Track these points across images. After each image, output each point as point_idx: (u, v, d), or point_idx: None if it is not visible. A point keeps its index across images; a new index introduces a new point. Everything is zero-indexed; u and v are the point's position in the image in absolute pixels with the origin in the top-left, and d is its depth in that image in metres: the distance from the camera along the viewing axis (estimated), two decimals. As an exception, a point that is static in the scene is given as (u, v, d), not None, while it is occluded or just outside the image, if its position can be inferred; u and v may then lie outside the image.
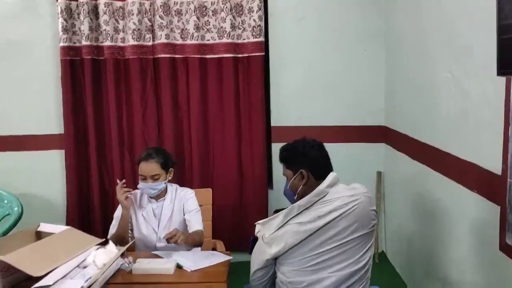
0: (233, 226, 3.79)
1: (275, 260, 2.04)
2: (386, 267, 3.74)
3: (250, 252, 2.15)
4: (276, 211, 2.18)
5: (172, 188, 2.76)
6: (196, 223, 2.65)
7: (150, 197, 2.70)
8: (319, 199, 1.96)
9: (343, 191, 2.01)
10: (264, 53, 3.73)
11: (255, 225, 2.10)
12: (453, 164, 2.56)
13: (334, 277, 1.93)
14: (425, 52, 2.96)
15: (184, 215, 2.70)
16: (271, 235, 1.98)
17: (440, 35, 2.73)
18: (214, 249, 2.79)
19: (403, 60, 3.43)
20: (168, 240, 2.32)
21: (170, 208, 2.69)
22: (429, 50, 2.90)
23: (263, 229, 2.02)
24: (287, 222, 1.97)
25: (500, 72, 1.79)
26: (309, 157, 2.08)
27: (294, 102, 3.88)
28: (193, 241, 2.54)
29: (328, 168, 2.08)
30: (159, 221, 2.67)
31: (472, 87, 2.32)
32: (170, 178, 2.70)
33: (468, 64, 2.38)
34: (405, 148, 3.40)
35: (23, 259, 1.96)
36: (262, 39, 3.69)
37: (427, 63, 2.92)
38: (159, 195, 2.69)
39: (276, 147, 3.87)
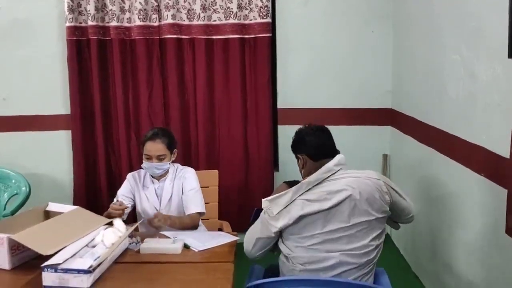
0: (239, 207, 3.81)
1: (279, 233, 2.05)
2: (391, 249, 3.76)
3: (252, 222, 2.17)
4: (287, 183, 2.20)
5: (174, 168, 2.77)
6: (192, 204, 2.65)
7: (153, 177, 2.71)
8: (328, 177, 1.98)
9: (352, 173, 2.02)
10: (271, 34, 3.70)
11: (262, 201, 2.09)
12: (461, 147, 2.55)
13: (337, 259, 1.94)
14: (434, 34, 2.93)
15: (182, 194, 2.72)
16: (279, 212, 1.99)
17: (449, 16, 2.70)
18: (220, 229, 2.81)
19: (411, 42, 3.39)
20: (150, 223, 2.38)
21: (170, 188, 2.71)
22: (438, 31, 2.86)
23: (270, 205, 2.02)
24: (295, 199, 1.97)
25: (511, 55, 1.77)
26: (304, 141, 2.15)
27: (301, 84, 3.86)
28: (182, 225, 2.54)
29: (327, 151, 2.10)
30: (160, 201, 2.69)
31: (482, 69, 2.30)
32: (173, 159, 2.72)
33: (478, 46, 2.36)
34: (412, 131, 3.39)
35: (32, 237, 1.98)
36: (269, 20, 3.66)
37: (436, 45, 2.89)
38: (161, 175, 2.71)
39: (282, 129, 3.89)
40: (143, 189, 2.73)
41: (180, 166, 2.81)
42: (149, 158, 2.61)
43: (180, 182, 2.73)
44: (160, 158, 2.61)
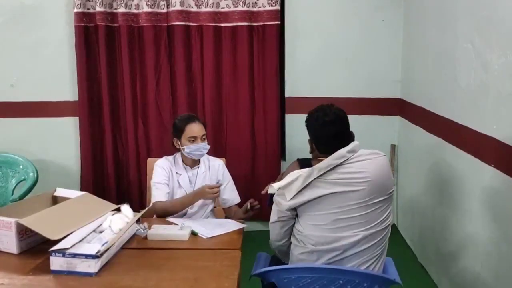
0: (245, 196, 3.74)
1: (295, 213, 2.04)
2: (397, 240, 3.75)
3: (269, 205, 2.15)
4: (299, 161, 2.16)
5: (204, 157, 2.74)
6: (237, 197, 2.77)
7: (185, 164, 2.69)
8: (341, 163, 1.94)
9: (363, 155, 1.98)
10: (279, 22, 3.67)
11: (271, 185, 2.07)
12: (471, 137, 2.53)
13: (353, 238, 1.93)
14: (446, 22, 2.89)
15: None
16: (294, 197, 1.97)
17: (461, 4, 2.66)
18: (227, 217, 2.81)
19: (422, 31, 3.35)
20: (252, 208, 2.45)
21: (204, 176, 2.69)
22: (449, 20, 2.83)
23: (283, 192, 2.00)
24: (308, 184, 1.95)
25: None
26: (312, 132, 2.10)
27: (309, 72, 3.84)
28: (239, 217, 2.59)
29: (336, 145, 1.99)
30: (193, 189, 2.65)
31: (494, 58, 2.27)
32: None
33: (490, 34, 2.33)
34: (421, 121, 3.36)
35: (40, 222, 1.98)
36: (278, 7, 3.63)
37: (447, 34, 2.85)
38: (194, 163, 2.68)
39: (289, 118, 3.87)
40: (177, 175, 2.67)
41: (209, 156, 2.77)
42: (195, 139, 2.58)
43: (215, 172, 2.72)
44: (203, 138, 2.60)
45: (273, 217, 2.10)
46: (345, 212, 1.93)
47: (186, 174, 2.67)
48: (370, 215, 1.94)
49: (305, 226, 2.00)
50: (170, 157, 2.71)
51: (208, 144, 2.65)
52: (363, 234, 1.93)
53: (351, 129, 2.12)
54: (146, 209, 2.37)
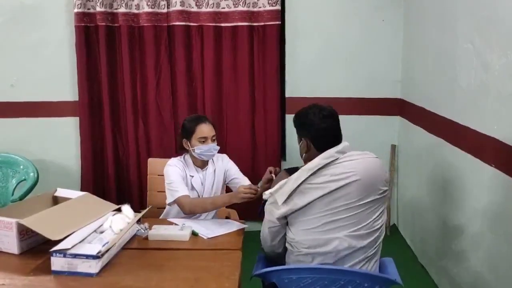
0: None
1: (286, 220, 2.04)
2: (398, 240, 3.75)
3: (260, 215, 2.15)
4: (287, 170, 2.17)
5: None
6: (247, 181, 2.68)
7: (197, 166, 2.66)
8: (330, 163, 1.94)
9: (352, 156, 1.98)
10: (280, 22, 3.67)
11: (264, 193, 2.08)
12: (471, 137, 2.53)
13: (343, 240, 1.92)
14: (446, 22, 2.90)
15: (225, 180, 2.72)
16: (285, 201, 1.97)
17: (461, 4, 2.66)
18: (227, 218, 2.81)
19: (422, 31, 3.35)
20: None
21: (212, 176, 2.69)
22: (450, 20, 2.83)
23: (275, 196, 2.00)
24: (298, 186, 1.95)
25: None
26: (310, 128, 2.07)
27: (309, 73, 3.83)
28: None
29: (333, 141, 2.01)
30: (204, 190, 2.66)
31: (495, 58, 2.28)
32: None
33: (490, 34, 2.33)
34: (421, 121, 3.36)
35: (41, 223, 1.98)
36: (278, 7, 3.63)
37: (448, 34, 2.86)
38: (204, 164, 2.67)
39: (290, 118, 3.85)
40: (190, 177, 2.65)
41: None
42: (205, 140, 2.56)
43: (222, 170, 2.71)
44: (213, 139, 2.59)
45: (264, 227, 2.10)
46: (334, 214, 1.93)
47: (197, 175, 2.66)
48: (360, 215, 1.93)
49: (296, 233, 2.01)
50: (180, 158, 2.68)
51: (217, 145, 2.63)
52: (354, 235, 1.93)
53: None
54: (147, 209, 2.37)
